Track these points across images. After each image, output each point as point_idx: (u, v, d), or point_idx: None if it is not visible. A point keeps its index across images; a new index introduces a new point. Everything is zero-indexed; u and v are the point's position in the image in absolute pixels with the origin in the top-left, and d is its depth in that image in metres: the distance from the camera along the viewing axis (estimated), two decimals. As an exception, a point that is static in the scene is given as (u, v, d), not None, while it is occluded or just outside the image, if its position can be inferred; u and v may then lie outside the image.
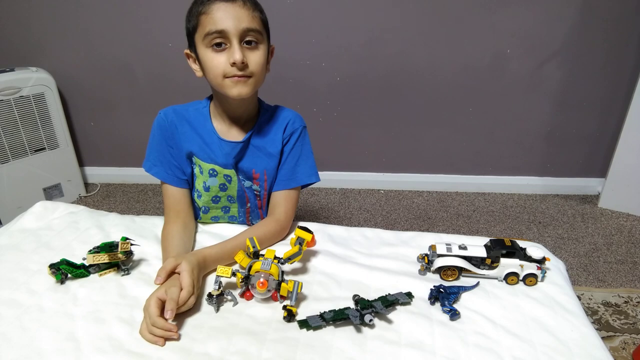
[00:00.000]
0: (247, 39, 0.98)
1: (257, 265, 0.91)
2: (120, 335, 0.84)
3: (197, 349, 0.81)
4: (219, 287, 0.91)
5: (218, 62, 0.98)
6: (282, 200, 1.16)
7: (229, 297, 0.92)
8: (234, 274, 0.91)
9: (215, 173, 1.15)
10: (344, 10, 2.19)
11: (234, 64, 0.97)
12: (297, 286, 0.90)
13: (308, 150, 1.20)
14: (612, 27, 2.16)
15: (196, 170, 1.17)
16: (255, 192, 1.20)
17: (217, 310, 0.90)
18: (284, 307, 0.88)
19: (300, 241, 0.97)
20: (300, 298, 0.93)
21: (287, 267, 1.00)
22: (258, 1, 1.03)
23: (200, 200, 1.20)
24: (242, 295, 0.94)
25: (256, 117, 1.16)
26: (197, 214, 1.23)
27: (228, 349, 0.81)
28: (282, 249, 1.02)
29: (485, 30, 2.20)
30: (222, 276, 0.90)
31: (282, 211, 1.14)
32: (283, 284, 0.91)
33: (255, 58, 1.00)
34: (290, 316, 0.87)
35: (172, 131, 1.13)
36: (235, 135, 1.14)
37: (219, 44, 0.97)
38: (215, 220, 1.24)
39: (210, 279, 0.98)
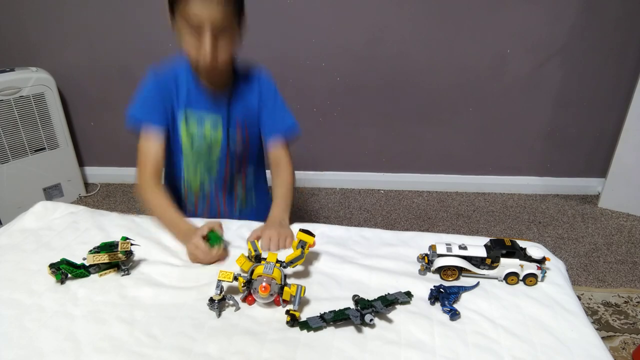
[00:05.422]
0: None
1: (259, 269, 0.91)
2: (120, 335, 0.83)
3: (197, 349, 0.81)
4: (221, 292, 0.89)
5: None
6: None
7: (231, 302, 0.90)
8: (235, 278, 0.90)
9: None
10: (344, 10, 2.19)
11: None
12: (300, 290, 0.89)
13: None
14: (612, 27, 2.16)
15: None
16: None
17: (219, 315, 0.89)
18: (287, 312, 0.87)
19: (302, 244, 0.96)
20: (302, 301, 0.92)
21: (288, 270, 1.00)
22: None
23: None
24: (244, 299, 0.93)
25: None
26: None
27: (228, 349, 0.81)
28: (285, 252, 1.02)
29: (485, 30, 2.20)
30: (223, 280, 0.89)
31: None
32: (286, 288, 0.90)
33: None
34: (293, 321, 0.86)
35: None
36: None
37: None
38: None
39: (212, 284, 0.97)
